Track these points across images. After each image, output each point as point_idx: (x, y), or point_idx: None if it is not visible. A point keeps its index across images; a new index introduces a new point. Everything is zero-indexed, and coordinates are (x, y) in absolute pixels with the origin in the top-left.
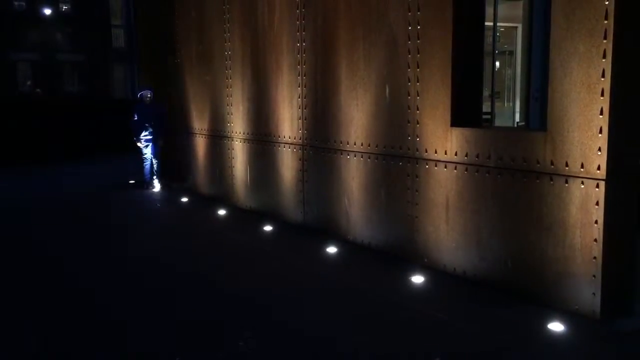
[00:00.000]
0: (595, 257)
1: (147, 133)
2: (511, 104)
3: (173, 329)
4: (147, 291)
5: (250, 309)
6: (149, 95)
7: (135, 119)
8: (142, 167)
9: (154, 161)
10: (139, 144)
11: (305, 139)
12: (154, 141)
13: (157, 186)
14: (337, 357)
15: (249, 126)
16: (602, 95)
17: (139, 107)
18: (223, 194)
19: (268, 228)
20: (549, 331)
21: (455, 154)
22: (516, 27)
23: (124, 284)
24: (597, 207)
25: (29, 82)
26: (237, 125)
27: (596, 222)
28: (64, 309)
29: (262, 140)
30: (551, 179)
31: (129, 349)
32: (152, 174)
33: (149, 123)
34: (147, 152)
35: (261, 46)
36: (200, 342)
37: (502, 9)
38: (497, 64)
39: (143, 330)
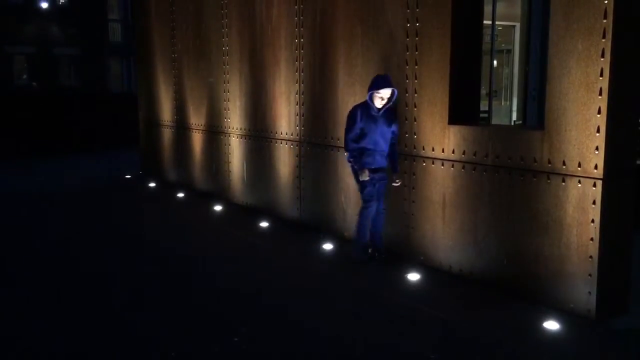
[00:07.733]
0: (591, 256)
1: (376, 159)
2: (508, 102)
3: (167, 317)
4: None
5: (249, 304)
6: (385, 97)
7: (357, 133)
8: (360, 222)
9: (382, 210)
10: (362, 178)
11: (303, 135)
12: (387, 174)
13: (383, 255)
14: (335, 356)
15: (246, 122)
16: (601, 94)
17: (363, 113)
18: (219, 190)
19: (264, 224)
20: (544, 330)
21: (453, 152)
22: (514, 26)
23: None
24: (593, 206)
25: (25, 76)
26: (234, 120)
27: (593, 221)
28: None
29: (259, 136)
30: (548, 178)
31: None
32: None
33: (380, 144)
34: (374, 193)
35: (259, 41)
36: (198, 335)
37: (500, 8)
38: (495, 62)
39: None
